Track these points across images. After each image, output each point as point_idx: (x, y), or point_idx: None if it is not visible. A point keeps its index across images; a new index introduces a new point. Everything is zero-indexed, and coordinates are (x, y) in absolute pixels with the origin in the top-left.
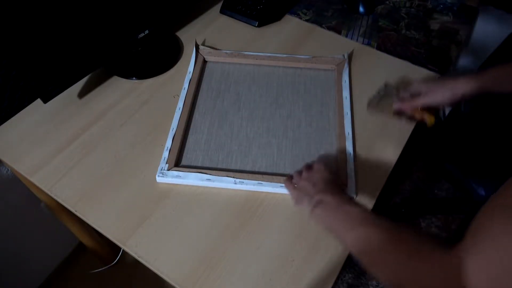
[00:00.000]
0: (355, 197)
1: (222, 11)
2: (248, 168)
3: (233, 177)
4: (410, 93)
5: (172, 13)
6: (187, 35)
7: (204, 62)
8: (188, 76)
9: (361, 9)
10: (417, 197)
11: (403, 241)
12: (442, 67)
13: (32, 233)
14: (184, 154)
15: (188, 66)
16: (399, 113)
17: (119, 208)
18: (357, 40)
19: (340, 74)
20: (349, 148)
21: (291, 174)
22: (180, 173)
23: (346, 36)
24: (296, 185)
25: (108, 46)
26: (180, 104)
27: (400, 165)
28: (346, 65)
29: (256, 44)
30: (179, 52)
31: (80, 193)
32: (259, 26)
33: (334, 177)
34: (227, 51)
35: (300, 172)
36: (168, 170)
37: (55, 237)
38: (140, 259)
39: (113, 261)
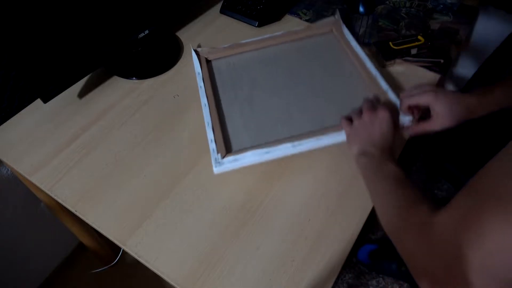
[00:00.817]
0: None
1: (222, 11)
2: (299, 133)
3: (289, 141)
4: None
5: (172, 13)
6: (187, 35)
7: (208, 61)
8: (200, 76)
9: (361, 9)
10: None
11: (407, 201)
12: (442, 67)
13: (32, 233)
14: (231, 141)
15: (188, 66)
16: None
17: (119, 208)
18: (357, 40)
19: (340, 31)
20: (383, 84)
21: (349, 115)
22: (237, 156)
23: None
24: (353, 124)
25: (108, 46)
26: (203, 100)
27: (400, 165)
28: (342, 23)
29: None
30: (179, 52)
31: (80, 193)
32: (259, 26)
33: (391, 134)
34: (225, 46)
35: (360, 112)
36: (222, 158)
37: (55, 237)
38: (140, 259)
39: (113, 261)
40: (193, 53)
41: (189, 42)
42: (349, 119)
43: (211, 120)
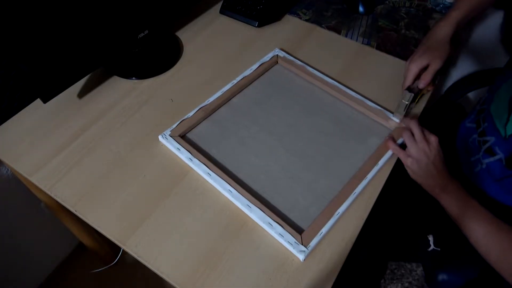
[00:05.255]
0: None
1: (222, 11)
2: (342, 172)
3: (356, 184)
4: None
5: (172, 13)
6: (187, 35)
7: (182, 137)
8: (195, 162)
9: (361, 9)
10: None
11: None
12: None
13: (32, 233)
14: (291, 218)
15: (188, 67)
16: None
17: (119, 208)
18: (356, 40)
19: (285, 59)
20: (367, 101)
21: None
22: (319, 231)
23: (346, 36)
24: (410, 153)
25: (108, 46)
26: (226, 187)
27: (401, 164)
28: (284, 53)
29: (256, 44)
30: (179, 52)
31: (80, 193)
32: (259, 26)
33: (443, 158)
34: (189, 115)
35: (412, 136)
36: (306, 246)
37: (55, 237)
38: (140, 259)
39: (113, 261)
40: (163, 140)
41: (189, 42)
42: (393, 139)
43: (265, 213)
